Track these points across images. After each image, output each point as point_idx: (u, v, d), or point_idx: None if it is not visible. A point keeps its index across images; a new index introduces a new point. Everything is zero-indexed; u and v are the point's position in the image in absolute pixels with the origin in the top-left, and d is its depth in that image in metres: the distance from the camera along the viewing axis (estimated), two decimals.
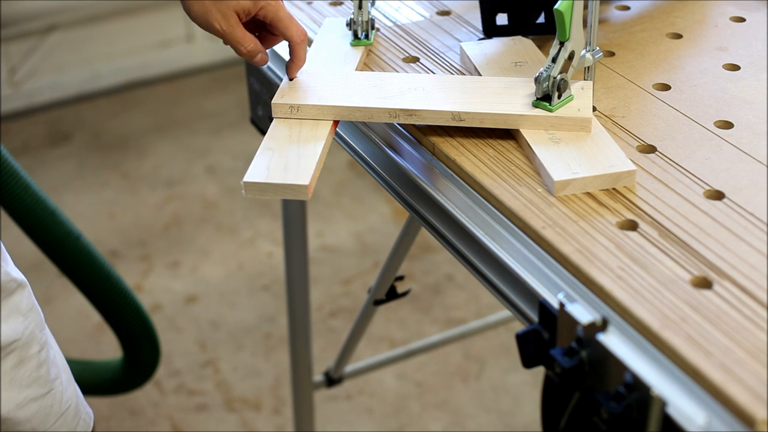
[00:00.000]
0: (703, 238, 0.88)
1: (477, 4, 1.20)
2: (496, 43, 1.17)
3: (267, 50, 1.11)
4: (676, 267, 0.85)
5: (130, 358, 1.61)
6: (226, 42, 1.08)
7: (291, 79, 1.10)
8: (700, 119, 1.05)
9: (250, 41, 1.08)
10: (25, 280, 1.02)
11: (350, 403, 2.06)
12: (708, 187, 0.95)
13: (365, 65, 1.17)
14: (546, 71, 1.01)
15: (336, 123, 1.05)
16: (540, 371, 1.04)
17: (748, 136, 1.02)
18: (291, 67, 1.11)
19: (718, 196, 0.94)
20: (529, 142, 0.99)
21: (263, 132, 1.22)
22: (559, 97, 1.01)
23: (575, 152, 0.97)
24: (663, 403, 0.76)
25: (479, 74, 1.11)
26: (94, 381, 1.66)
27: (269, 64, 1.31)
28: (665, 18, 1.25)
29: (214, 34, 1.07)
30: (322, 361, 1.97)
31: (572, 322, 0.83)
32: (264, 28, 1.11)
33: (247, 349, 2.18)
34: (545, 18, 1.18)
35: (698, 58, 1.16)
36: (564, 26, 0.98)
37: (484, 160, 1.00)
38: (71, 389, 1.07)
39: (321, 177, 0.99)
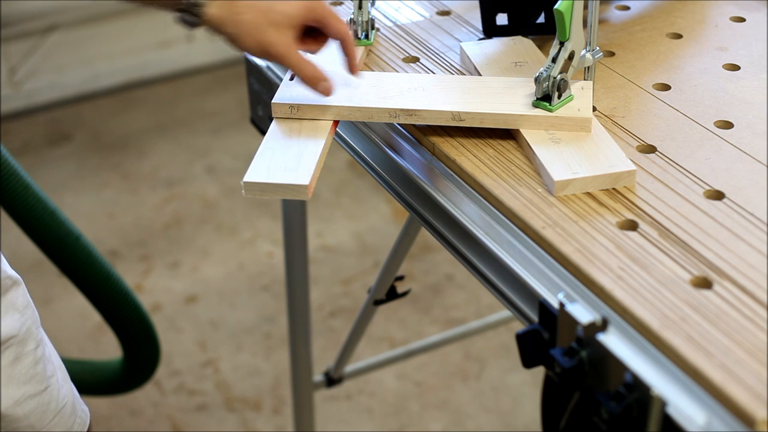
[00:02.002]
0: (703, 238, 0.88)
1: (477, 4, 1.20)
2: (496, 43, 1.17)
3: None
4: (676, 267, 0.85)
5: (130, 358, 1.61)
6: (286, 64, 1.02)
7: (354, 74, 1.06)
8: (700, 119, 1.05)
9: (309, 65, 1.02)
10: (20, 277, 1.02)
11: (350, 403, 2.06)
12: (708, 187, 0.95)
13: (365, 65, 1.17)
14: (546, 71, 1.01)
15: (336, 123, 1.05)
16: (540, 371, 1.04)
17: (748, 136, 1.02)
18: (352, 65, 1.06)
19: (718, 196, 0.94)
20: (529, 142, 0.99)
21: (263, 132, 1.22)
22: (559, 97, 1.01)
23: (575, 152, 0.97)
24: (663, 403, 0.76)
25: (479, 74, 1.11)
26: (94, 381, 1.66)
27: (269, 63, 1.31)
28: (665, 18, 1.25)
29: (273, 60, 1.02)
30: (322, 361, 1.97)
31: (572, 322, 0.83)
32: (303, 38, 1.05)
33: (247, 349, 2.18)
34: (545, 18, 1.18)
35: (698, 58, 1.16)
36: (564, 26, 0.98)
37: (484, 160, 1.00)
38: (67, 387, 1.07)
39: (321, 177, 0.99)
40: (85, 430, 1.11)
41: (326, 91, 1.03)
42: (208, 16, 0.99)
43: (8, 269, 1.00)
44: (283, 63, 1.02)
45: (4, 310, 0.98)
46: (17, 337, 0.99)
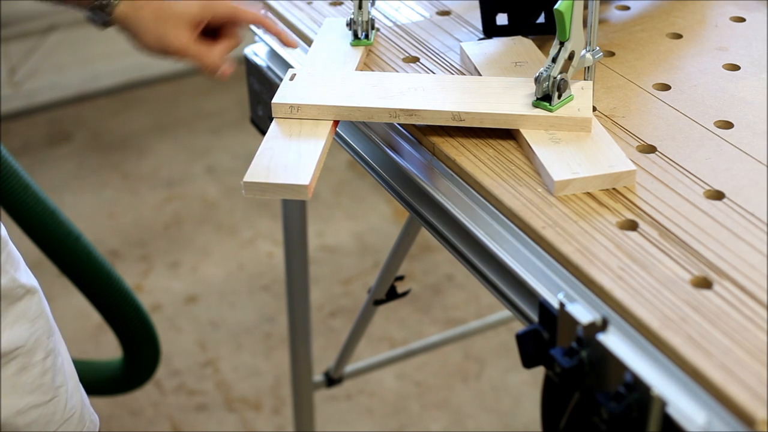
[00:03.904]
0: (703, 238, 0.88)
1: (477, 4, 1.20)
2: (496, 43, 1.17)
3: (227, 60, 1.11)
4: (676, 267, 0.85)
5: (130, 358, 1.61)
6: (186, 59, 1.07)
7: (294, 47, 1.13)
8: (700, 119, 1.05)
9: (208, 53, 1.07)
10: (36, 286, 1.01)
11: (350, 403, 2.06)
12: (708, 187, 0.95)
13: (365, 65, 1.17)
14: (546, 71, 1.01)
15: (336, 123, 1.05)
16: (540, 371, 1.04)
17: (748, 136, 1.02)
18: (285, 40, 1.14)
19: (718, 196, 0.94)
20: (529, 142, 0.99)
21: (263, 132, 1.22)
22: (559, 97, 1.01)
23: (575, 152, 0.97)
24: (663, 403, 0.76)
25: (479, 74, 1.11)
26: (94, 381, 1.66)
27: (269, 63, 1.31)
28: (665, 18, 1.25)
29: (172, 56, 1.06)
30: (322, 361, 1.97)
31: (572, 322, 0.83)
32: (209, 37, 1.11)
33: (247, 349, 2.18)
34: (545, 18, 1.18)
35: (698, 58, 1.16)
36: (564, 26, 0.98)
37: (484, 160, 1.00)
38: (77, 397, 1.06)
39: (321, 177, 0.99)
40: None
41: (224, 75, 1.09)
42: (116, 13, 1.05)
43: (22, 277, 0.99)
44: (183, 57, 1.06)
45: (14, 320, 0.97)
46: (24, 348, 0.98)
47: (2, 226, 1.01)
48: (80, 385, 1.08)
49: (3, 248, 0.97)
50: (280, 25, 1.14)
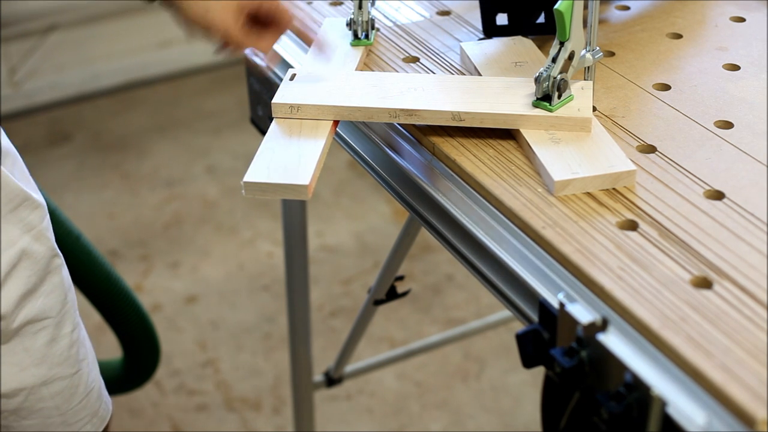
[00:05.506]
0: (703, 238, 0.88)
1: (477, 4, 1.20)
2: (496, 43, 1.17)
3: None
4: (676, 267, 0.85)
5: (130, 358, 1.61)
6: (224, 43, 1.06)
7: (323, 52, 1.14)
8: (700, 119, 1.05)
9: (255, 38, 1.06)
10: (62, 259, 1.03)
11: (350, 403, 2.06)
12: (708, 187, 0.95)
13: (365, 65, 1.17)
14: (546, 71, 1.01)
15: (336, 123, 1.05)
16: (540, 371, 1.04)
17: (748, 136, 1.02)
18: (308, 41, 1.16)
19: (718, 196, 0.94)
20: (529, 142, 0.99)
21: (263, 132, 1.22)
22: (559, 97, 1.01)
23: (575, 152, 0.97)
24: (663, 403, 0.76)
25: (479, 74, 1.11)
26: None
27: (269, 63, 1.31)
28: (665, 18, 1.25)
29: (214, 33, 1.04)
30: (322, 361, 1.97)
31: (572, 322, 0.83)
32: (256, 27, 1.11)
33: (247, 349, 2.18)
34: (545, 18, 1.18)
35: (698, 58, 1.16)
36: (564, 26, 0.98)
37: (484, 160, 1.00)
38: (96, 371, 1.09)
39: (321, 177, 0.99)
40: (109, 417, 1.12)
41: (272, 60, 1.18)
42: None
43: (57, 248, 1.01)
44: (224, 37, 1.05)
45: (51, 289, 0.99)
46: (54, 319, 1.00)
47: (41, 193, 1.02)
48: (96, 361, 1.10)
49: (45, 215, 0.99)
50: (314, 31, 1.16)
